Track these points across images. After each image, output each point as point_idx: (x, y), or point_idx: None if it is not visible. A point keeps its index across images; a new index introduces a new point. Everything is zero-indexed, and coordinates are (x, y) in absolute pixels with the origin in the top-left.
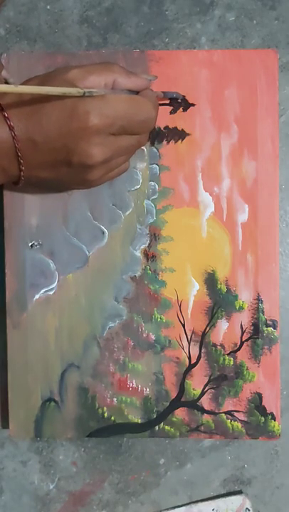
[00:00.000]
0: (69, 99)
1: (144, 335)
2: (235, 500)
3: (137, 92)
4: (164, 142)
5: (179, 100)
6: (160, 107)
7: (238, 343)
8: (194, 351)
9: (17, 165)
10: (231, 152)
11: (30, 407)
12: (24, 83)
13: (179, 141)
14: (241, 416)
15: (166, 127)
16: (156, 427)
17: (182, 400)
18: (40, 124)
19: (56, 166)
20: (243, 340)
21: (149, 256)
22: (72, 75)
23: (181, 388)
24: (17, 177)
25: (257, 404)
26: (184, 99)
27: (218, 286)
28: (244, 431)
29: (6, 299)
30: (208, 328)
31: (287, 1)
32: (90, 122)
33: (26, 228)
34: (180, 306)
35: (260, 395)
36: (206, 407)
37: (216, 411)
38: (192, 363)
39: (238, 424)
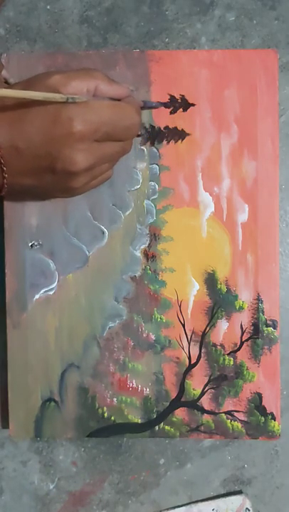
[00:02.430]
0: (52, 105)
1: (144, 335)
2: (235, 500)
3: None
4: (164, 142)
5: (159, 106)
6: (160, 108)
7: (238, 343)
8: (194, 351)
9: (0, 172)
10: (231, 152)
11: (30, 407)
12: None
13: (179, 141)
14: (241, 416)
15: (166, 127)
16: (156, 427)
17: (182, 400)
18: (24, 131)
19: (40, 173)
20: (243, 340)
21: (149, 256)
22: (54, 81)
23: (181, 388)
24: (0, 185)
25: (257, 404)
26: (184, 98)
27: (218, 286)
28: (244, 431)
29: (6, 299)
30: (208, 328)
31: (287, 1)
32: (74, 128)
33: (26, 228)
34: (180, 306)
35: (260, 395)
36: (206, 407)
37: (216, 411)
38: (192, 363)
39: (238, 424)
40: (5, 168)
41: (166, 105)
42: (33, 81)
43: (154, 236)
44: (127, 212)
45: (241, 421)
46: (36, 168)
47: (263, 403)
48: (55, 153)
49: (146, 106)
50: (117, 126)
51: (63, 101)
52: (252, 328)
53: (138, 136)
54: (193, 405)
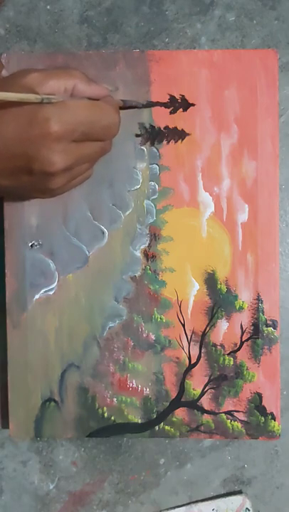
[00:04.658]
0: (28, 105)
1: (144, 335)
2: (235, 500)
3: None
4: (164, 142)
5: (140, 106)
6: (160, 108)
7: (238, 343)
8: (194, 351)
9: None
10: (231, 152)
11: (30, 407)
12: None
13: (179, 141)
14: (241, 416)
15: (166, 127)
16: (156, 427)
17: (182, 400)
18: (0, 132)
19: (17, 174)
20: (243, 340)
21: (149, 256)
22: (31, 80)
23: (181, 388)
24: None
25: (257, 404)
26: (184, 98)
27: (218, 286)
28: (244, 431)
29: (6, 299)
30: (208, 328)
31: (287, 1)
32: (51, 129)
33: (26, 228)
34: (180, 306)
35: (260, 395)
36: (206, 407)
37: (216, 411)
38: (192, 363)
39: (238, 424)
40: None
41: (166, 105)
42: (9, 80)
43: (154, 236)
44: (127, 212)
45: (241, 421)
46: (13, 169)
47: (263, 403)
48: (32, 154)
49: (126, 105)
50: (95, 126)
51: (38, 101)
52: (252, 328)
53: (138, 136)
54: (193, 405)
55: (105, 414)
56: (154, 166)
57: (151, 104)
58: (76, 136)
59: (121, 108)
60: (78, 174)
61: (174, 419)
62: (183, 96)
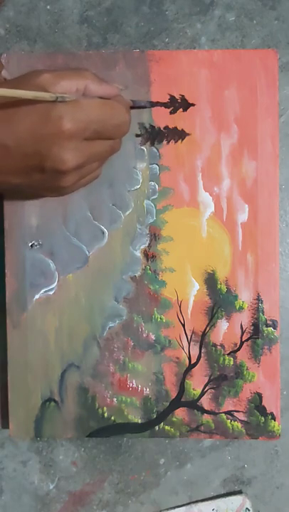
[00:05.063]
0: (41, 104)
1: (144, 335)
2: (235, 500)
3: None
4: (164, 142)
5: (149, 106)
6: (160, 108)
7: (238, 343)
8: (194, 351)
9: None
10: (231, 152)
11: (30, 407)
12: None
13: (179, 141)
14: (241, 416)
15: (166, 127)
16: (156, 427)
17: (182, 400)
18: (13, 130)
19: (29, 172)
20: (243, 340)
21: (149, 256)
22: (44, 80)
23: (181, 388)
24: None
25: (257, 404)
26: (184, 98)
27: (218, 286)
28: (244, 431)
29: (6, 299)
30: (208, 328)
31: (287, 1)
32: (63, 127)
33: (26, 228)
34: (180, 306)
35: (260, 395)
36: (206, 407)
37: (216, 411)
38: (192, 363)
39: (238, 424)
40: None
41: (166, 105)
42: (22, 80)
43: (154, 236)
44: (127, 212)
45: (241, 421)
46: (25, 167)
47: (263, 403)
48: (44, 152)
49: (136, 105)
50: (107, 125)
51: (53, 100)
52: (252, 328)
53: (138, 136)
54: (193, 405)
55: (105, 414)
56: (154, 166)
57: (153, 104)
58: (88, 134)
59: (130, 108)
60: (88, 173)
61: (174, 419)
62: (183, 96)
